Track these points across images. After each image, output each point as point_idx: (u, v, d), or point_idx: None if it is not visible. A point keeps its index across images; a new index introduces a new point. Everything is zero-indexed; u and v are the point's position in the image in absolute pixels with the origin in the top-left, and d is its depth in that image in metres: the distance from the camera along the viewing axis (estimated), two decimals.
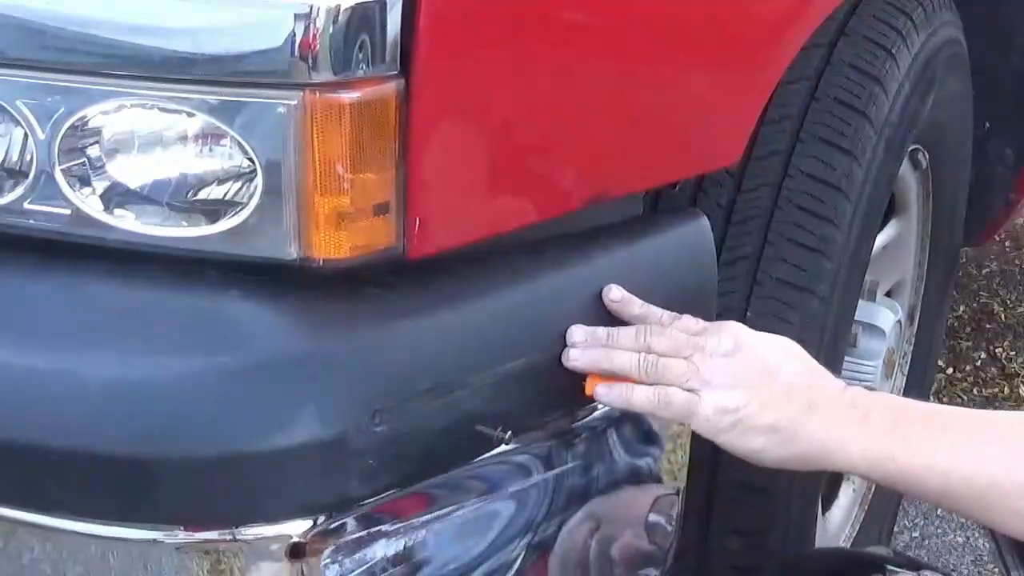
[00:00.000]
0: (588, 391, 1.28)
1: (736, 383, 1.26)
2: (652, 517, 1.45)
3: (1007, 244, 3.50)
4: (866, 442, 1.25)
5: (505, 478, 1.28)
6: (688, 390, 1.26)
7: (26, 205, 1.15)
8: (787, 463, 1.28)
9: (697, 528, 1.59)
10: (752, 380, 1.27)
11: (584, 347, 1.27)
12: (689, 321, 1.31)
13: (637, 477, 1.42)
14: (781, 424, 1.26)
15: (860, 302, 1.75)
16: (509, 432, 1.21)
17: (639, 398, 1.26)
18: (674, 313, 1.31)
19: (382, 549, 1.20)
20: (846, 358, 1.76)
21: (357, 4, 1.07)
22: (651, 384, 1.26)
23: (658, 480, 1.44)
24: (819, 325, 1.57)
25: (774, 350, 1.31)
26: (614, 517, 1.42)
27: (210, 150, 1.12)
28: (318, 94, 1.08)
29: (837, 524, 2.04)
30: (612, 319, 1.31)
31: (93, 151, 1.13)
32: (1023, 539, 1.26)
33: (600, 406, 1.32)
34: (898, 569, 1.46)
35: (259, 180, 1.11)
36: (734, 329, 1.31)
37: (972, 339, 3.07)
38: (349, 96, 1.08)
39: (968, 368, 2.95)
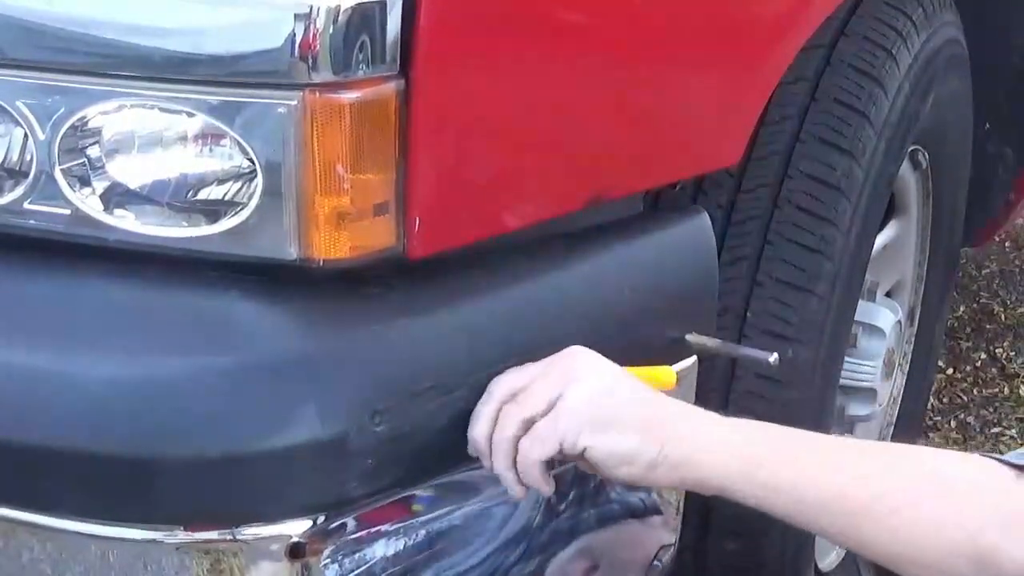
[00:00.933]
0: None
1: (598, 378, 1.20)
2: (655, 563, 1.44)
3: (1007, 244, 3.50)
4: (742, 449, 1.18)
5: None
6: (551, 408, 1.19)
7: (26, 205, 1.15)
8: (655, 469, 1.19)
9: (696, 529, 1.59)
10: (615, 379, 1.21)
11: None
12: None
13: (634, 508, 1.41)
14: (656, 419, 1.19)
15: (860, 302, 1.75)
16: None
17: (515, 464, 1.19)
18: None
19: (382, 549, 1.20)
20: (846, 358, 1.76)
21: (357, 4, 1.07)
22: (521, 422, 1.18)
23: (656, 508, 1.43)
24: (819, 325, 1.57)
25: (623, 369, 1.24)
26: (614, 559, 1.41)
27: (210, 150, 1.12)
28: (318, 94, 1.08)
29: None
30: (609, 322, 1.31)
31: (93, 151, 1.13)
32: (889, 563, 1.18)
33: None
34: None
35: (259, 180, 1.11)
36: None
37: (972, 339, 3.07)
38: (349, 96, 1.08)
39: (968, 368, 2.95)
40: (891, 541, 1.16)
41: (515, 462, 1.19)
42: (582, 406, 1.19)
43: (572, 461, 1.23)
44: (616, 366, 1.23)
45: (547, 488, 1.21)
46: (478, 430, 1.20)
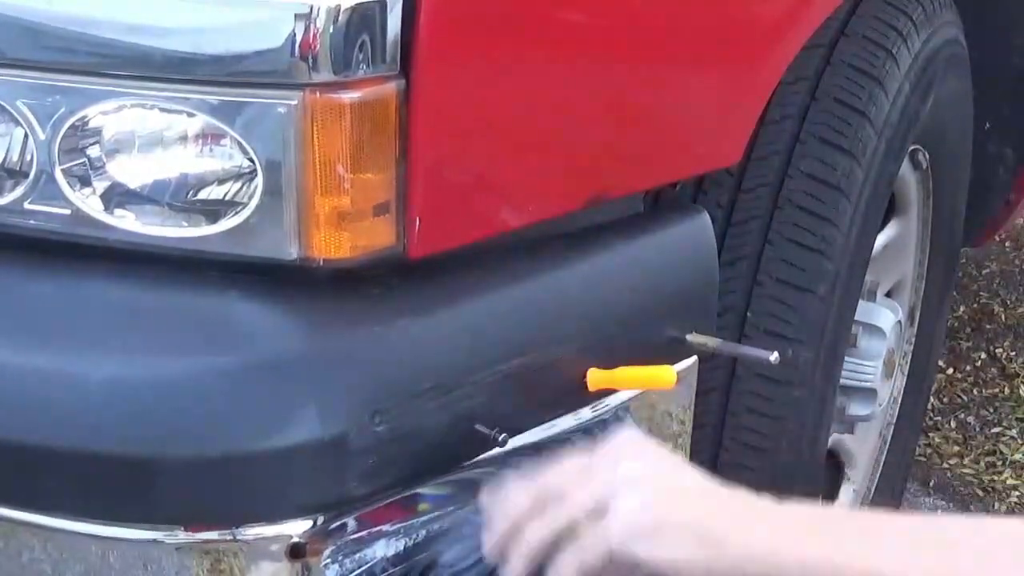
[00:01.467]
0: (591, 386, 1.28)
1: (648, 476, 1.13)
2: None
3: (1007, 244, 3.50)
4: (807, 550, 1.11)
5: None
6: (599, 512, 1.11)
7: (26, 205, 1.15)
8: (712, 573, 1.12)
9: None
10: (666, 473, 1.14)
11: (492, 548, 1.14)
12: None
13: None
14: (712, 519, 1.13)
15: (860, 302, 1.75)
16: (504, 434, 1.21)
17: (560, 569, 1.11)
18: None
19: (382, 549, 1.20)
20: (846, 358, 1.76)
21: (357, 4, 1.07)
22: (556, 525, 1.11)
23: None
24: (819, 325, 1.57)
25: (673, 457, 1.18)
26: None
27: (210, 150, 1.12)
28: (318, 94, 1.08)
29: None
30: (610, 322, 1.31)
31: (93, 151, 1.13)
32: None
33: (601, 406, 1.32)
34: None
35: (259, 180, 1.11)
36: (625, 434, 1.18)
37: (972, 339, 3.07)
38: (349, 96, 1.08)
39: (968, 368, 2.95)
40: None
41: (529, 555, 1.12)
42: (634, 512, 1.11)
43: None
44: (667, 455, 1.18)
45: None
46: (508, 509, 1.13)
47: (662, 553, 1.12)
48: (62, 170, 1.13)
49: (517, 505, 1.13)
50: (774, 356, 1.41)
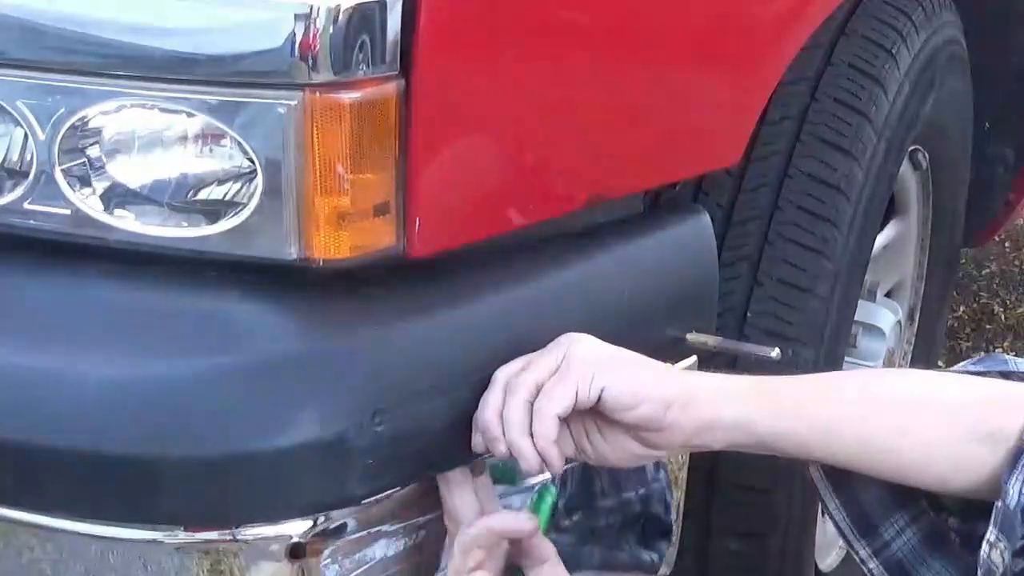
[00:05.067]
0: None
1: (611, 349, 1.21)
2: None
3: (1007, 244, 3.50)
4: (759, 384, 1.22)
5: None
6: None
7: (26, 205, 1.15)
8: (671, 407, 1.19)
9: (697, 529, 1.59)
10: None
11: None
12: None
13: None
14: (665, 367, 1.23)
15: (860, 302, 1.75)
16: None
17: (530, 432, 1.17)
18: None
19: (382, 549, 1.20)
20: (846, 358, 1.76)
21: (357, 4, 1.07)
22: (532, 385, 1.18)
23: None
24: (819, 325, 1.57)
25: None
26: None
27: (210, 150, 1.12)
28: (318, 94, 1.08)
29: None
30: (610, 322, 1.31)
31: (93, 151, 1.13)
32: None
33: None
34: None
35: (259, 180, 1.11)
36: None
37: (972, 339, 3.07)
38: (349, 96, 1.08)
39: None
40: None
41: (530, 430, 1.17)
42: (592, 353, 1.20)
43: (585, 409, 1.20)
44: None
45: (558, 461, 1.18)
46: (488, 412, 1.18)
47: (623, 379, 1.19)
48: (62, 170, 1.13)
49: (493, 396, 1.18)
50: (775, 352, 1.41)
